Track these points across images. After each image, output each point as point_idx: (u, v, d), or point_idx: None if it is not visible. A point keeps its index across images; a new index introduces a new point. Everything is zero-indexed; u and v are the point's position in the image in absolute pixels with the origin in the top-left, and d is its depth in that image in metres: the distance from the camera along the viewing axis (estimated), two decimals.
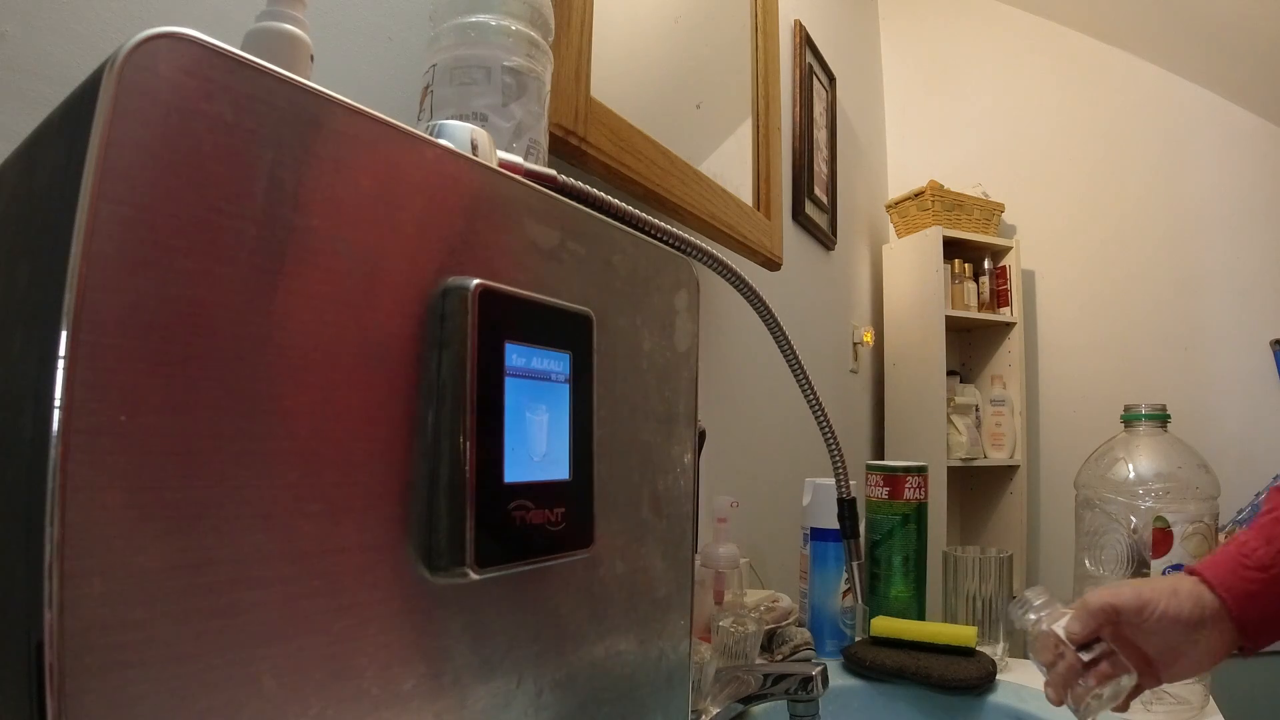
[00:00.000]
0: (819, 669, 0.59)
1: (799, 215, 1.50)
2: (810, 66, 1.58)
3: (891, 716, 0.79)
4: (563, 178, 0.38)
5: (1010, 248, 2.17)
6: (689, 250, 0.45)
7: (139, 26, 0.20)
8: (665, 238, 0.42)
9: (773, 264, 1.11)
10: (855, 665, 0.81)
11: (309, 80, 0.24)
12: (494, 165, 0.32)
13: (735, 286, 0.49)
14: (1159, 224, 2.09)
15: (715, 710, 0.59)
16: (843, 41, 1.99)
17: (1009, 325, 2.17)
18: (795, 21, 1.52)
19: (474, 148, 0.33)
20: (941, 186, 2.12)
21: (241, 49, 0.22)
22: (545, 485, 0.31)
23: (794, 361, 0.54)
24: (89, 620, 0.18)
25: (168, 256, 0.20)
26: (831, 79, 1.74)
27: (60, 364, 0.18)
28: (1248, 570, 0.54)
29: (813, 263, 1.62)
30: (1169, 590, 0.55)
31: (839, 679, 0.80)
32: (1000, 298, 2.19)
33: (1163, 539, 0.73)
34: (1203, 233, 2.04)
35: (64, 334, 0.18)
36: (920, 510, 0.94)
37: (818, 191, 1.61)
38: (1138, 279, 2.11)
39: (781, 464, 1.36)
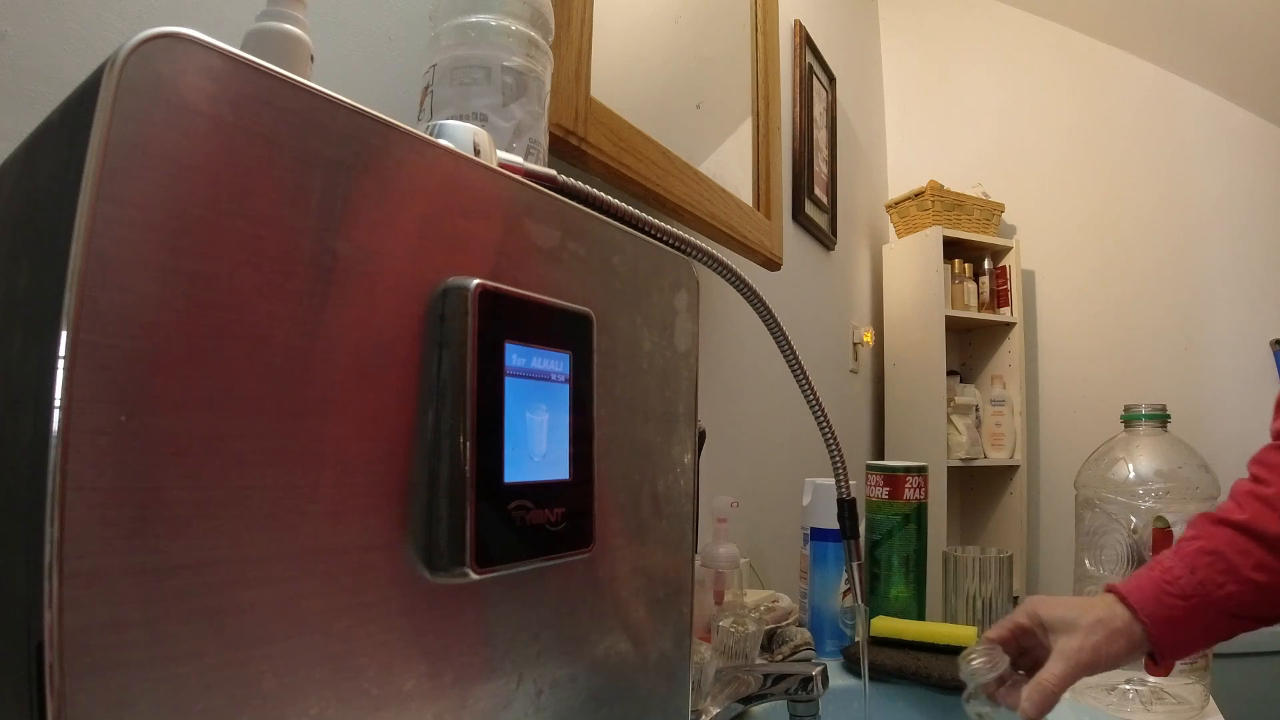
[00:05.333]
0: (819, 669, 0.59)
1: (799, 215, 1.50)
2: (810, 66, 1.58)
3: (891, 716, 0.79)
4: (563, 178, 0.38)
5: (1010, 248, 2.17)
6: (689, 250, 0.45)
7: (139, 26, 0.20)
8: (665, 238, 0.42)
9: (773, 264, 1.11)
10: (855, 665, 0.81)
11: (309, 80, 0.24)
12: (494, 165, 0.32)
13: (735, 286, 0.49)
14: (1160, 224, 2.09)
15: (715, 710, 0.59)
16: (843, 41, 1.99)
17: (1009, 325, 2.17)
18: (795, 21, 1.52)
19: (475, 150, 0.33)
20: (941, 186, 2.11)
21: (241, 49, 0.22)
22: (545, 485, 0.31)
23: (794, 361, 0.54)
24: (89, 620, 0.18)
25: (168, 256, 0.20)
26: (831, 79, 1.74)
27: (60, 364, 0.18)
28: (1170, 598, 0.57)
29: (813, 263, 1.62)
30: (1105, 635, 0.57)
31: (839, 679, 0.80)
32: (1000, 298, 2.19)
33: (1163, 539, 0.72)
34: (1203, 233, 2.03)
35: (64, 334, 0.18)
36: (920, 510, 0.94)
37: (818, 191, 1.61)
38: (1138, 279, 2.11)
39: (781, 464, 1.36)
